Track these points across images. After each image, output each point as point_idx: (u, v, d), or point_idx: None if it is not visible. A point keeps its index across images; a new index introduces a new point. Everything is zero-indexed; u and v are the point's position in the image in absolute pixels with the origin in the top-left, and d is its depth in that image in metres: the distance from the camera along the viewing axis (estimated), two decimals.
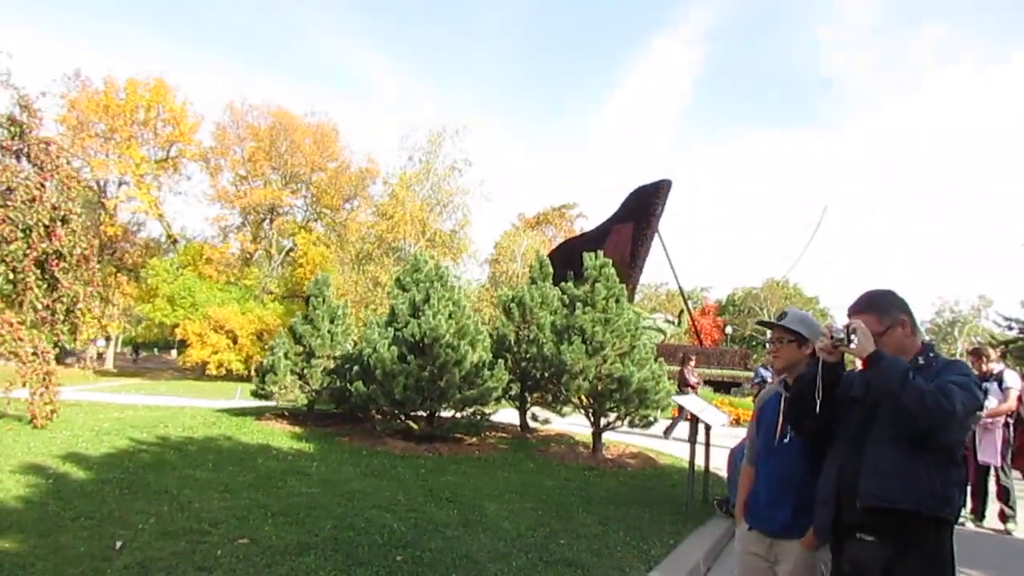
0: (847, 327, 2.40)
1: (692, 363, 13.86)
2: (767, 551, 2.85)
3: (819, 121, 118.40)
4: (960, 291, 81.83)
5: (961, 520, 7.19)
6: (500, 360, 10.56)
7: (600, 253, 10.39)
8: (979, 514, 7.38)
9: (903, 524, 2.32)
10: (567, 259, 28.30)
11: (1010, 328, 48.47)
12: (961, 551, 2.54)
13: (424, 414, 10.26)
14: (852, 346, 2.38)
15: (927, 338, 2.73)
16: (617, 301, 9.91)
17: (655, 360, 9.86)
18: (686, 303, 29.45)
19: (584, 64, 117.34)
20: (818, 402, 2.51)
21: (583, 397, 9.72)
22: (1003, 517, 7.16)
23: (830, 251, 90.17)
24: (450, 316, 10.11)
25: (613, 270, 10.16)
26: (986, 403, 7.03)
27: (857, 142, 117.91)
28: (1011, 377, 7.20)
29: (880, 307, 2.57)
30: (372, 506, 6.03)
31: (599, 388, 9.55)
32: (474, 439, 10.64)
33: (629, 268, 26.53)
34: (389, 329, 10.36)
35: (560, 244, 31.43)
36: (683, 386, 13.16)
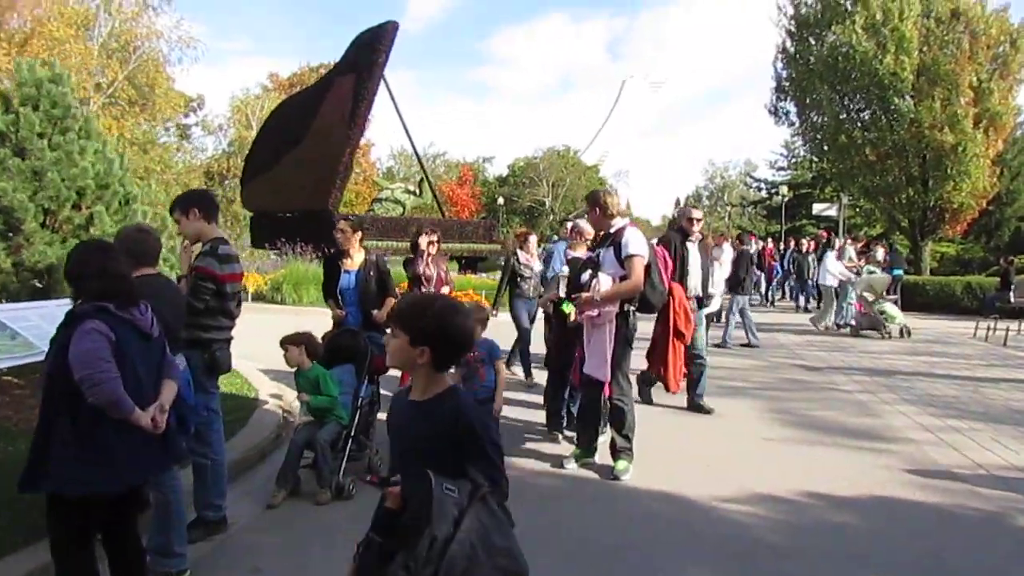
0: None
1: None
2: None
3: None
4: (731, 157, 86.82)
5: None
6: None
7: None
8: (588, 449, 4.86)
9: None
10: (282, 122, 23.66)
11: (759, 189, 51.72)
12: None
13: None
14: None
15: None
16: (66, 134, 6.05)
17: None
18: (424, 169, 26.13)
19: None
20: None
21: None
22: (615, 451, 4.65)
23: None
24: None
25: (66, 89, 6.28)
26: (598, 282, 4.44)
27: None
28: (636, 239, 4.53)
29: None
30: None
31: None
32: None
33: (348, 127, 22.48)
34: None
35: (279, 104, 26.43)
36: (417, 280, 6.56)
